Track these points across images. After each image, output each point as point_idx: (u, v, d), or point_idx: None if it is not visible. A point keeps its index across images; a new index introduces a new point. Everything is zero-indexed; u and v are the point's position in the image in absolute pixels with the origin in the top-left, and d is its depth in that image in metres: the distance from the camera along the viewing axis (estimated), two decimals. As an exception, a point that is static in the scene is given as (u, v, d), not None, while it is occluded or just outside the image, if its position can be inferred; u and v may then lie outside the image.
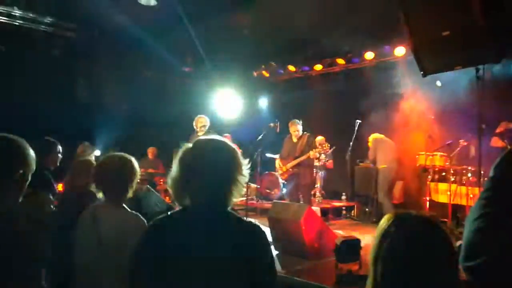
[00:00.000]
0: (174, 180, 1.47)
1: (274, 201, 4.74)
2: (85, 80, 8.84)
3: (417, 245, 1.09)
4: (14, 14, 7.06)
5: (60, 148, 3.68)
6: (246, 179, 1.53)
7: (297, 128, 6.24)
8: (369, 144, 6.84)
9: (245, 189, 1.57)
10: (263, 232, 1.46)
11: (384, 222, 1.18)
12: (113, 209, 2.04)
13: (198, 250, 1.35)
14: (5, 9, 6.93)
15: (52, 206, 3.24)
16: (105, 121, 8.47)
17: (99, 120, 8.33)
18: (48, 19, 7.57)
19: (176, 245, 1.37)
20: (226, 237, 1.38)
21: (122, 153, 2.13)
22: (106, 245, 1.88)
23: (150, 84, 9.32)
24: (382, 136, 6.71)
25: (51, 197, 3.39)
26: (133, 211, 2.34)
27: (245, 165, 1.53)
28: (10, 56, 7.38)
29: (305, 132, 6.33)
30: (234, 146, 1.53)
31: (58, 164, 3.60)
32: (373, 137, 6.81)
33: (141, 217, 2.09)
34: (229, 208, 1.49)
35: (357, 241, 3.52)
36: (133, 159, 2.14)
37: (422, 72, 4.36)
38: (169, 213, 1.51)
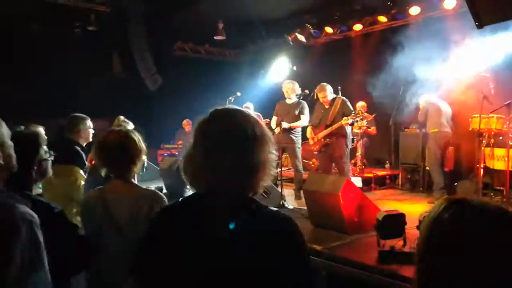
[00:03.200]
0: (190, 158, 1.21)
1: (310, 172, 4.45)
2: (119, 55, 8.84)
3: (477, 237, 0.86)
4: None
5: (90, 123, 3.61)
6: (276, 158, 1.27)
7: (325, 94, 5.51)
8: (420, 106, 6.21)
9: (275, 170, 1.27)
10: (296, 230, 1.17)
11: (437, 207, 0.95)
12: (123, 188, 1.89)
13: (210, 249, 1.11)
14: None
15: (82, 181, 3.22)
16: (140, 95, 8.50)
17: (134, 95, 8.37)
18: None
19: (183, 240, 1.16)
20: (247, 236, 1.11)
21: (123, 128, 1.97)
22: (125, 231, 1.77)
23: (182, 56, 9.20)
24: (434, 98, 6.06)
25: (81, 172, 3.37)
26: (150, 187, 2.20)
27: (273, 143, 1.25)
28: (46, 34, 7.47)
29: (338, 96, 5.66)
30: (256, 117, 1.25)
31: (90, 139, 3.55)
32: (424, 98, 6.16)
33: (159, 193, 1.93)
34: (255, 196, 1.22)
35: (401, 215, 3.20)
36: (136, 134, 1.98)
37: (477, 24, 3.79)
38: (180, 199, 1.27)
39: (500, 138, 5.16)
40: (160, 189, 5.48)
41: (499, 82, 5.55)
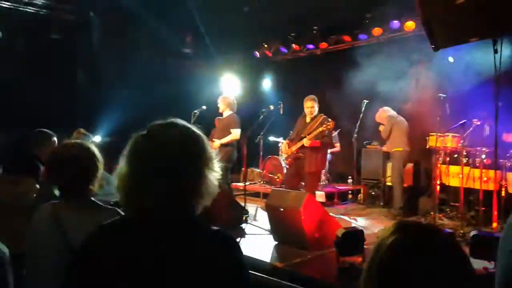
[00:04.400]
0: (122, 178, 1.13)
1: (273, 188, 4.43)
2: (84, 64, 8.58)
3: (422, 258, 0.87)
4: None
5: (55, 140, 3.47)
6: (218, 176, 1.20)
7: (312, 104, 5.38)
8: (382, 120, 6.13)
9: (217, 189, 1.19)
10: (236, 246, 1.13)
11: (385, 230, 0.95)
12: (80, 209, 1.71)
13: (147, 272, 1.06)
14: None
15: (35, 194, 3.05)
16: (105, 106, 8.27)
17: (99, 106, 8.13)
18: (44, 1, 7.29)
19: (117, 262, 1.08)
20: (185, 256, 1.07)
21: (79, 140, 1.83)
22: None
23: (149, 67, 9.04)
24: (395, 114, 6.13)
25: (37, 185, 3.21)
26: (108, 205, 2.05)
27: (215, 159, 1.20)
28: (8, 41, 7.15)
29: (321, 114, 5.49)
30: (200, 133, 1.19)
31: None
32: (387, 114, 6.12)
33: (119, 211, 1.76)
34: (194, 215, 1.16)
35: (360, 232, 3.25)
36: (93, 146, 1.82)
37: (433, 46, 3.98)
38: (119, 218, 1.21)
39: (455, 156, 5.38)
40: None
41: (454, 102, 5.83)
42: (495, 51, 3.82)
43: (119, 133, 8.31)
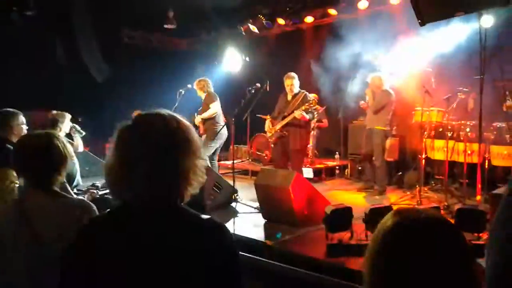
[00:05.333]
0: (110, 168, 1.14)
1: (261, 167, 4.45)
2: (62, 42, 8.30)
3: (423, 243, 0.88)
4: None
5: (23, 118, 3.38)
6: (204, 164, 1.22)
7: (292, 82, 5.41)
8: (376, 89, 5.84)
9: (205, 176, 1.21)
10: (227, 236, 1.14)
11: (386, 218, 0.96)
12: (45, 199, 1.67)
13: (138, 260, 1.07)
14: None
15: (14, 182, 2.99)
16: (86, 86, 8.07)
17: (80, 85, 7.93)
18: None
19: (111, 253, 1.09)
20: (175, 244, 1.08)
21: (45, 130, 1.78)
22: (49, 245, 1.56)
23: (130, 45, 8.83)
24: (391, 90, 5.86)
25: (14, 174, 3.13)
26: (75, 196, 2.00)
27: (202, 147, 1.22)
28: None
29: (302, 90, 5.53)
30: (186, 121, 1.20)
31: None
32: (385, 86, 5.81)
33: (87, 201, 1.77)
34: (183, 203, 1.18)
35: (348, 209, 3.31)
36: (60, 136, 1.79)
37: (419, 21, 3.95)
38: (108, 210, 1.20)
39: (440, 130, 5.45)
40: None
41: (440, 77, 5.85)
42: (480, 26, 3.83)
43: (101, 112, 8.21)
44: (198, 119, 6.00)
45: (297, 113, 5.23)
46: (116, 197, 1.16)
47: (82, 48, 8.10)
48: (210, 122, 5.97)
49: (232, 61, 8.86)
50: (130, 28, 9.18)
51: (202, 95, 6.11)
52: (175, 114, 1.20)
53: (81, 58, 8.08)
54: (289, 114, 5.37)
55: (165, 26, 8.49)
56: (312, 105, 5.29)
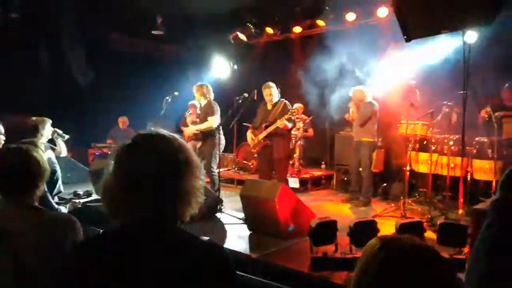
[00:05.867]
0: (108, 188, 1.14)
1: (247, 178, 4.43)
2: (47, 45, 8.16)
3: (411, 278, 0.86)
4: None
5: (1, 128, 3.29)
6: (203, 184, 1.22)
7: (270, 92, 5.41)
8: (359, 102, 5.92)
9: (203, 197, 1.22)
10: (225, 258, 1.13)
11: (369, 246, 0.94)
12: (25, 215, 1.59)
13: (136, 283, 1.06)
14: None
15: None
16: (70, 90, 7.94)
17: (63, 89, 7.80)
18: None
19: (108, 275, 1.07)
20: (173, 267, 1.07)
21: (21, 145, 1.73)
22: (32, 272, 1.48)
23: (117, 50, 8.73)
24: (374, 101, 5.89)
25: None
26: (78, 191, 1.93)
27: (201, 167, 1.21)
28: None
29: (282, 99, 5.55)
30: (185, 142, 1.20)
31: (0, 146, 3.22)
32: (368, 98, 5.86)
33: (71, 216, 1.69)
34: (182, 225, 1.17)
35: (333, 222, 3.30)
36: (39, 151, 1.74)
37: (405, 37, 4.02)
38: (101, 231, 1.19)
39: (424, 143, 5.53)
40: (89, 193, 5.17)
41: (425, 90, 5.95)
42: (464, 43, 3.91)
43: (86, 117, 8.08)
44: (192, 129, 5.74)
45: (280, 123, 5.23)
46: (113, 216, 1.15)
47: (67, 52, 8.00)
48: (210, 131, 5.61)
49: (220, 68, 8.87)
50: (118, 33, 9.10)
51: (202, 101, 5.80)
52: (175, 135, 1.21)
53: (66, 61, 7.97)
54: (271, 124, 5.38)
55: (153, 32, 8.44)
56: (294, 114, 5.30)
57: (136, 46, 9.25)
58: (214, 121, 5.55)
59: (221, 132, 5.57)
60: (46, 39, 8.02)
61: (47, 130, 4.53)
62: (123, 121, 8.52)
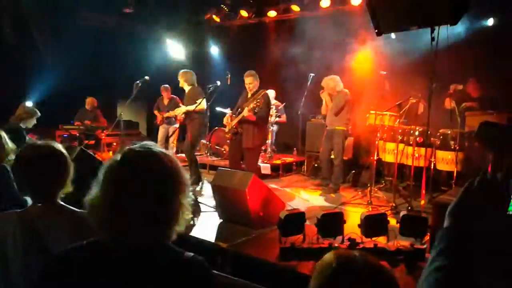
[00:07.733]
0: (95, 204, 1.13)
1: (219, 168, 4.45)
2: (11, 21, 7.74)
3: None
4: None
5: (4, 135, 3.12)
6: (191, 201, 1.23)
7: (251, 81, 5.32)
8: (331, 91, 5.95)
9: (191, 215, 1.24)
10: (210, 280, 1.16)
11: (325, 263, 0.98)
12: (54, 213, 1.58)
13: None
14: None
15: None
16: (36, 68, 7.62)
17: (28, 67, 7.47)
18: None
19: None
20: (157, 284, 1.09)
21: (45, 141, 1.67)
22: None
23: (86, 26, 8.38)
24: (346, 89, 5.94)
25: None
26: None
27: (189, 184, 1.22)
28: None
29: (263, 90, 5.38)
30: (176, 159, 1.20)
31: None
32: (340, 87, 5.92)
33: None
34: (170, 241, 1.17)
35: (301, 214, 3.39)
36: (60, 146, 1.68)
37: (376, 31, 4.10)
38: (84, 242, 1.16)
39: (392, 133, 5.70)
40: None
41: (394, 81, 6.08)
42: (432, 39, 4.02)
43: (53, 97, 7.79)
44: (182, 109, 5.77)
45: (245, 112, 5.14)
46: (101, 230, 1.14)
47: (32, 27, 7.64)
48: (197, 115, 5.70)
49: (180, 50, 8.76)
50: (87, 10, 8.72)
51: (186, 87, 5.86)
52: (166, 151, 1.20)
53: (30, 39, 7.62)
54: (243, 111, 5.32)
55: (124, 10, 8.16)
56: (258, 105, 5.13)
57: (105, 22, 8.89)
58: (204, 103, 5.67)
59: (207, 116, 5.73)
60: (10, 15, 7.62)
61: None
62: (90, 102, 8.21)
